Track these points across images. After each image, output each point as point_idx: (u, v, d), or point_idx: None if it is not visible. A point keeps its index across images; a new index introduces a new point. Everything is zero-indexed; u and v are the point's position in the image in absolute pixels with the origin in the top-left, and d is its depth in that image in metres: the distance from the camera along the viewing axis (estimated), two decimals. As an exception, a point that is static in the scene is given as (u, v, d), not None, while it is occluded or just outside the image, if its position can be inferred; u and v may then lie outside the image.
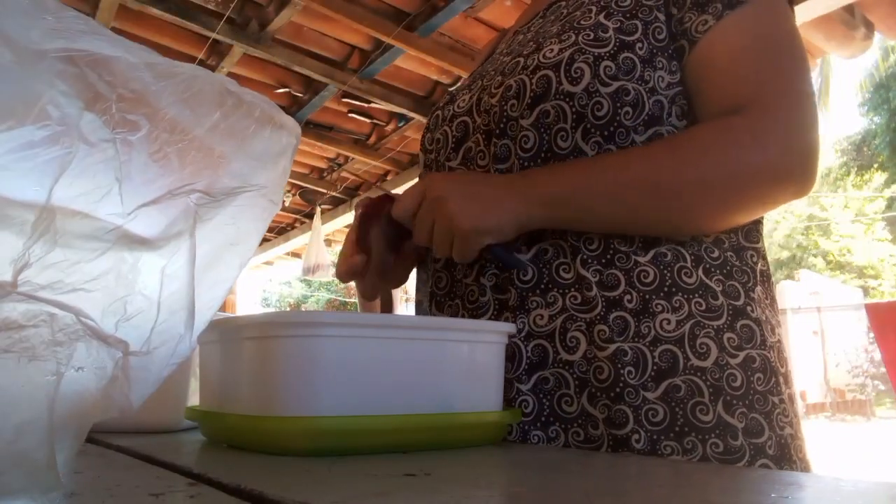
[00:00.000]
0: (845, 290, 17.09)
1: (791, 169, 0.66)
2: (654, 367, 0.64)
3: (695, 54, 0.70)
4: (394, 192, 0.79)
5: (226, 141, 0.38)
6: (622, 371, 0.64)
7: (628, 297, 0.67)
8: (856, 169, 21.76)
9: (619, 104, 0.69)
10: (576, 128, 0.70)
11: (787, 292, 13.56)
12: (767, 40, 0.70)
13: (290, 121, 0.42)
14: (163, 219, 0.35)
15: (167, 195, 0.35)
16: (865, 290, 18.99)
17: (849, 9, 2.55)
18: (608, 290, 0.67)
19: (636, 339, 0.65)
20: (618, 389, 0.64)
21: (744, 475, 0.46)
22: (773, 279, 0.76)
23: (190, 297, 0.34)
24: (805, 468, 0.68)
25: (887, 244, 20.80)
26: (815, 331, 13.84)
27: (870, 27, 2.65)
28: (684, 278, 0.68)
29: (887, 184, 20.60)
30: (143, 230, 0.34)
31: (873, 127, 20.61)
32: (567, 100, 0.69)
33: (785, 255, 21.14)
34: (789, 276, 18.00)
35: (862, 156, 21.64)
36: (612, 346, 0.65)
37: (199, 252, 0.35)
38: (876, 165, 20.97)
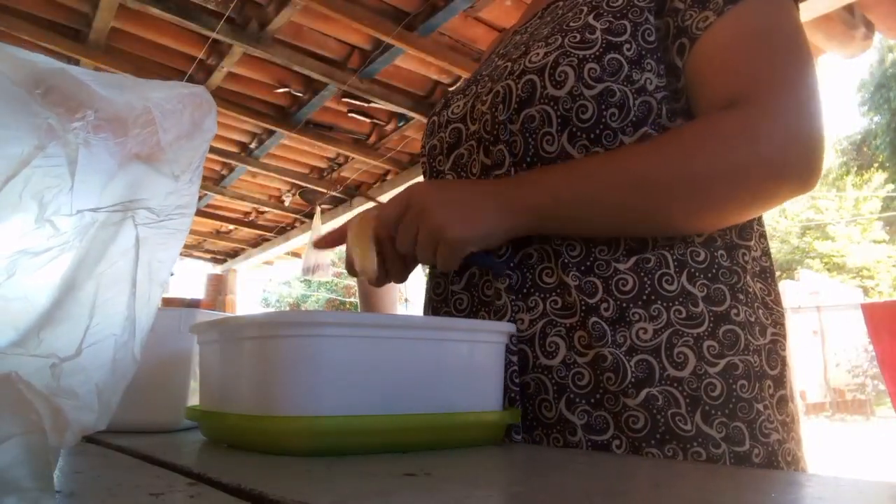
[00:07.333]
0: (845, 289, 17.06)
1: (787, 163, 0.63)
2: (633, 376, 0.64)
3: (695, 51, 0.68)
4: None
5: (180, 163, 0.38)
6: (601, 377, 0.64)
7: (605, 305, 0.66)
8: (855, 169, 21.74)
9: (603, 106, 0.68)
10: (561, 132, 0.69)
11: (787, 292, 13.54)
12: (765, 33, 0.67)
13: None
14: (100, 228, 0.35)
15: (111, 206, 0.35)
16: (865, 291, 18.95)
17: (849, 8, 2.55)
18: (587, 297, 0.67)
19: (614, 347, 0.65)
20: (598, 395, 0.64)
21: (743, 475, 0.46)
22: (775, 275, 0.74)
23: (130, 302, 0.34)
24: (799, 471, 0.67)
25: (884, 245, 20.73)
26: (814, 330, 13.83)
27: (870, 27, 2.65)
28: (665, 285, 0.66)
29: (885, 184, 20.57)
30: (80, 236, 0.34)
31: (873, 127, 20.60)
32: (551, 104, 0.69)
33: (780, 258, 21.08)
34: (788, 277, 17.97)
35: (862, 156, 21.63)
36: (592, 352, 0.65)
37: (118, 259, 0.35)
38: (876, 165, 20.94)
